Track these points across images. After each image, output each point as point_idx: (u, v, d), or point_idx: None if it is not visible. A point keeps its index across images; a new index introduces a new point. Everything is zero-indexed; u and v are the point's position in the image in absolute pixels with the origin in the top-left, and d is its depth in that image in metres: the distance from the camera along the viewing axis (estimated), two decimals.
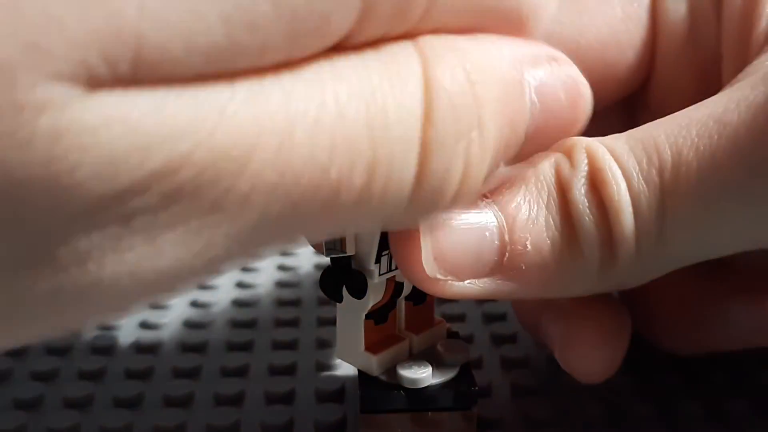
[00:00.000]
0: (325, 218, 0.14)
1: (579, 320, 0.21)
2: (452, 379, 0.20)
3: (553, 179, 0.19)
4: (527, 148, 0.17)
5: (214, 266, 0.13)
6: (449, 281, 0.18)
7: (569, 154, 0.19)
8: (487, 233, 0.18)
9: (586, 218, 0.18)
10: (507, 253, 0.18)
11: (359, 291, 0.19)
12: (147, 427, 0.22)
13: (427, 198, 0.15)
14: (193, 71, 0.11)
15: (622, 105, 0.25)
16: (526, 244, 0.18)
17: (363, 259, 0.19)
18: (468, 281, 0.18)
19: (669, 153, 0.18)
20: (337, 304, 0.20)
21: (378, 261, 0.19)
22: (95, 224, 0.11)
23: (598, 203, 0.18)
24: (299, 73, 0.13)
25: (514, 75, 0.16)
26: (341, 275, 0.19)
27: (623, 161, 0.18)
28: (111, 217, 0.11)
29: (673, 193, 0.18)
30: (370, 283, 0.19)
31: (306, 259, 0.34)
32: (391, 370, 0.20)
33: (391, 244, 0.19)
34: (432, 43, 0.14)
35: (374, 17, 0.13)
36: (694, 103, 0.20)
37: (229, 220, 0.12)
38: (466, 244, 0.18)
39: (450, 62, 0.14)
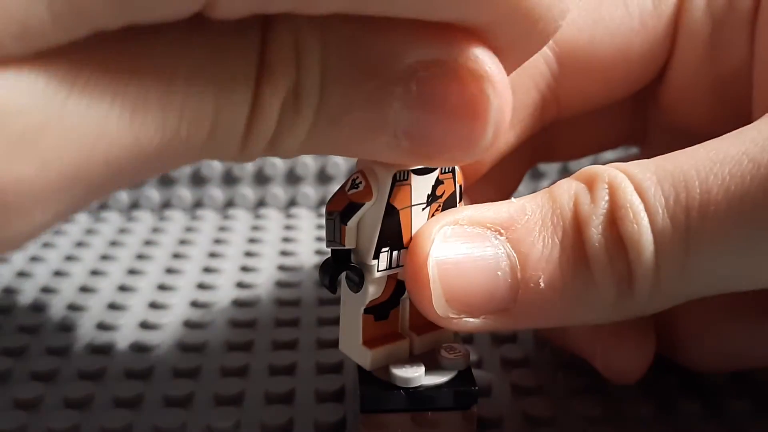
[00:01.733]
0: None
1: (616, 328, 0.22)
2: (452, 379, 0.20)
3: (570, 214, 0.18)
4: None
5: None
6: (463, 318, 0.19)
7: (591, 187, 0.18)
8: (499, 273, 0.18)
9: (603, 256, 0.18)
10: (520, 291, 0.18)
11: (356, 284, 0.19)
12: (147, 427, 0.22)
13: None
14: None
15: (632, 108, 0.26)
16: (539, 282, 0.18)
17: (362, 253, 0.19)
18: (483, 317, 0.18)
19: (698, 191, 0.17)
20: (341, 297, 0.20)
21: (377, 257, 0.19)
22: None
23: (616, 240, 0.18)
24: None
25: None
26: (338, 267, 0.19)
27: (649, 197, 0.18)
28: None
29: (700, 232, 0.17)
30: (368, 278, 0.19)
31: (306, 259, 0.34)
32: (387, 369, 0.20)
33: (405, 280, 0.19)
34: None
35: None
36: (708, 111, 0.21)
37: None
38: (477, 284, 0.18)
39: None
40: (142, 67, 0.13)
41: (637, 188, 0.18)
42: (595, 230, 0.18)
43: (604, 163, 0.19)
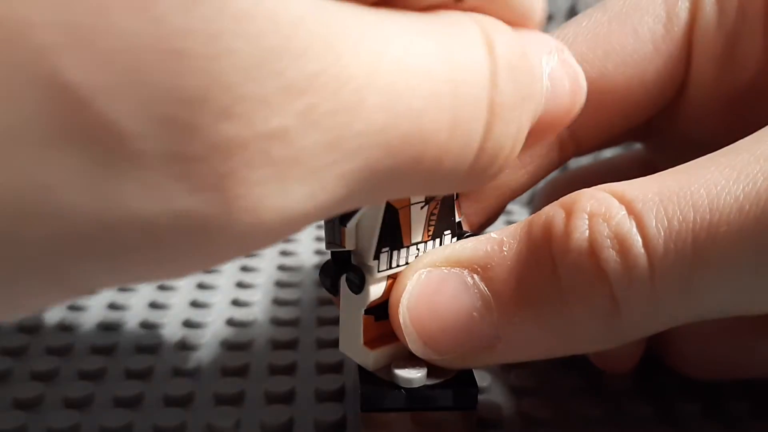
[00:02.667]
0: (409, 175, 0.14)
1: None
2: (452, 379, 0.20)
3: (544, 247, 0.18)
4: (530, 135, 0.17)
5: (318, 213, 0.13)
6: (448, 357, 0.19)
7: (569, 215, 0.18)
8: (475, 313, 0.18)
9: (580, 290, 0.17)
10: (500, 329, 0.18)
11: (357, 286, 0.20)
12: (147, 426, 0.22)
13: (485, 163, 0.15)
14: None
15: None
16: (516, 320, 0.18)
17: (362, 254, 0.19)
18: (469, 355, 0.19)
19: (708, 210, 0.16)
20: (341, 297, 0.20)
21: (377, 257, 0.19)
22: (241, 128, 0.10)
23: (596, 271, 0.17)
24: (387, 18, 0.13)
25: (537, 58, 0.16)
26: (338, 269, 0.20)
27: (647, 220, 0.17)
28: (255, 129, 0.11)
29: (708, 255, 0.16)
30: (368, 278, 0.19)
31: (306, 259, 0.34)
32: (389, 369, 0.20)
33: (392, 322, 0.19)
34: (482, 17, 0.15)
35: None
36: (725, 122, 0.20)
37: (343, 160, 0.12)
38: (454, 326, 0.18)
39: (505, 35, 0.15)
40: None
41: (632, 210, 0.17)
42: (570, 263, 0.17)
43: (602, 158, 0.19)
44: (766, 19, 0.22)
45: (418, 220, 0.19)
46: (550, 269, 0.17)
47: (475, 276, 0.18)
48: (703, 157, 0.18)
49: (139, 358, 0.26)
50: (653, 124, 0.25)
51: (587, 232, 0.17)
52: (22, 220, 0.10)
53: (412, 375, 0.20)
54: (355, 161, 0.12)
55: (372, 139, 0.12)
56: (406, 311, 0.18)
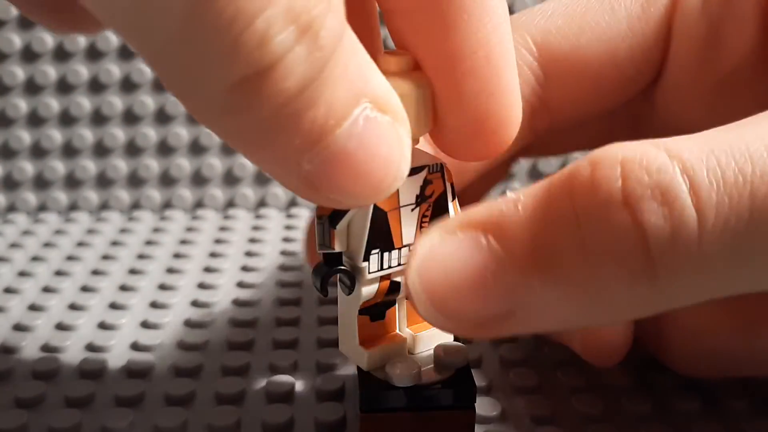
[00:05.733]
0: None
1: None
2: (451, 378, 0.20)
3: (567, 202, 0.16)
4: None
5: None
6: (464, 325, 0.17)
7: (595, 167, 0.16)
8: (488, 275, 0.16)
9: (610, 247, 0.15)
10: (518, 293, 0.16)
11: (348, 287, 0.20)
12: (148, 426, 0.22)
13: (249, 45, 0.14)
14: None
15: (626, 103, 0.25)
16: (533, 283, 0.16)
17: (352, 256, 0.19)
18: (487, 323, 0.17)
19: (765, 158, 0.15)
20: (338, 298, 0.20)
21: (367, 259, 0.19)
22: None
23: (630, 227, 0.15)
24: None
25: None
26: (328, 270, 0.20)
27: (696, 171, 0.15)
28: None
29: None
30: (359, 280, 0.19)
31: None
32: (383, 369, 0.20)
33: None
34: None
35: None
36: (707, 111, 0.20)
37: None
38: (468, 291, 0.16)
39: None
40: None
41: (677, 158, 0.15)
42: (597, 217, 0.15)
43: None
44: (756, 8, 0.22)
45: (409, 221, 0.19)
46: (572, 225, 0.15)
47: (489, 237, 0.16)
48: (749, 117, 0.16)
49: (140, 358, 0.26)
50: (634, 110, 0.26)
51: (620, 180, 0.15)
52: None
53: (406, 373, 0.20)
54: None
55: None
56: (416, 275, 0.17)
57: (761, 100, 0.22)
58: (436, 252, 0.17)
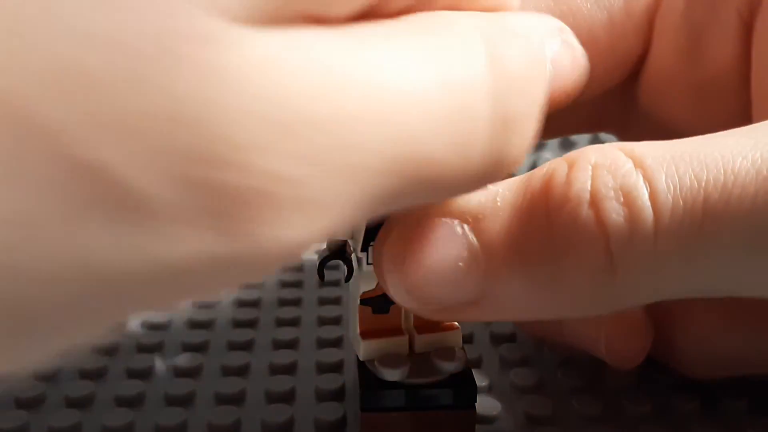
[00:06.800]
0: (415, 191, 0.14)
1: (617, 318, 0.22)
2: (452, 378, 0.20)
3: (541, 198, 0.17)
4: None
5: (332, 233, 0.13)
6: (432, 308, 0.18)
7: (572, 166, 0.17)
8: (460, 263, 0.17)
9: (575, 243, 0.16)
10: (486, 282, 0.17)
11: (345, 275, 0.20)
12: (148, 425, 0.22)
13: (491, 169, 0.15)
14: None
15: (611, 93, 0.26)
16: (503, 274, 0.17)
17: (352, 246, 0.20)
18: (454, 308, 0.17)
19: (722, 171, 0.16)
20: (349, 287, 0.21)
21: (365, 250, 0.19)
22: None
23: (595, 225, 0.16)
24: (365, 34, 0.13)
25: (541, 47, 0.16)
26: (327, 256, 0.20)
27: (655, 175, 0.16)
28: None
29: (719, 218, 0.16)
30: (358, 269, 0.20)
31: (307, 259, 0.34)
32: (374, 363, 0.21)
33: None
34: (483, 21, 0.15)
35: None
36: (688, 110, 0.20)
37: (350, 192, 0.12)
38: (438, 276, 0.17)
39: (506, 38, 0.14)
40: None
41: (641, 165, 0.16)
42: (566, 214, 0.16)
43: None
44: (739, 20, 0.22)
45: None
46: (544, 221, 0.16)
47: (465, 226, 0.17)
48: (720, 132, 0.17)
49: (140, 357, 0.26)
50: (615, 105, 0.26)
51: (589, 182, 0.16)
52: (65, 277, 0.10)
53: (395, 368, 0.20)
54: (359, 192, 0.12)
55: (370, 169, 0.12)
56: (390, 257, 0.17)
57: (739, 109, 0.23)
58: (413, 233, 0.17)
